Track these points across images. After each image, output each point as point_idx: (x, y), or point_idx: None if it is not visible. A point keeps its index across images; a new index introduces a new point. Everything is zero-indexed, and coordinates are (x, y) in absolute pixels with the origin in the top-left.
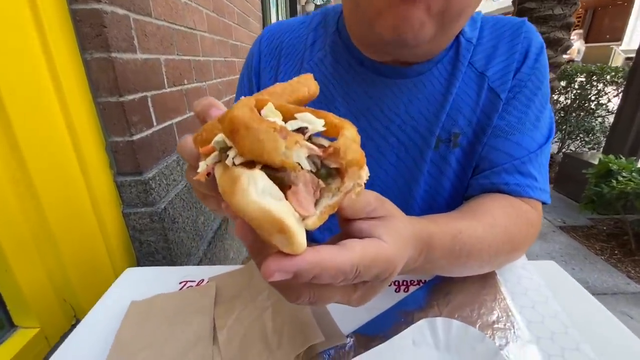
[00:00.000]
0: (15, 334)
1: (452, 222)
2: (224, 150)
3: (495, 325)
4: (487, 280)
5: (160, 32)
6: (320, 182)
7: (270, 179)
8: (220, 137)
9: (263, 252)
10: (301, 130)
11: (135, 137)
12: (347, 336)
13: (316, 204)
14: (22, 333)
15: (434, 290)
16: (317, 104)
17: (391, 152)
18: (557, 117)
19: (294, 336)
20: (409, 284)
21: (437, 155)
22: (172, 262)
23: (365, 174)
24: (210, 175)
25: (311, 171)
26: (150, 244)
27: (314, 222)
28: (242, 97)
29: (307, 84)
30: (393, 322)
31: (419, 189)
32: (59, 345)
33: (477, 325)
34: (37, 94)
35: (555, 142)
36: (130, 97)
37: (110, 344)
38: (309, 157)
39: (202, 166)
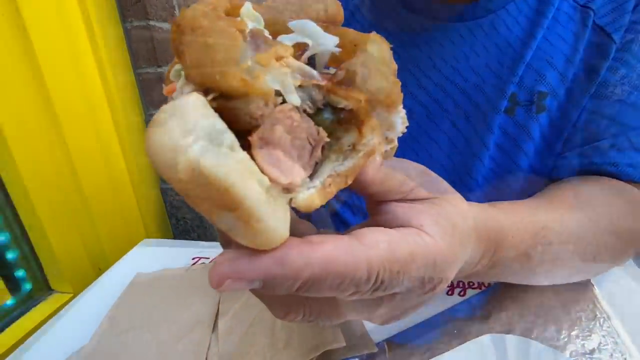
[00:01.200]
0: (50, 297)
1: (533, 211)
2: None
3: (596, 355)
4: (581, 290)
5: None
6: (322, 132)
7: (227, 116)
8: (180, 64)
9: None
10: (299, 51)
11: None
12: (377, 344)
13: (316, 170)
14: (57, 297)
15: (500, 297)
16: None
17: (445, 120)
18: None
19: (307, 336)
20: (466, 285)
21: (512, 124)
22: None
23: (401, 119)
24: None
25: (306, 111)
26: (187, 222)
27: (311, 197)
28: None
29: (322, 0)
30: (441, 332)
31: (481, 168)
32: None
33: (568, 352)
34: (75, 61)
35: None
36: None
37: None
38: (302, 88)
39: None
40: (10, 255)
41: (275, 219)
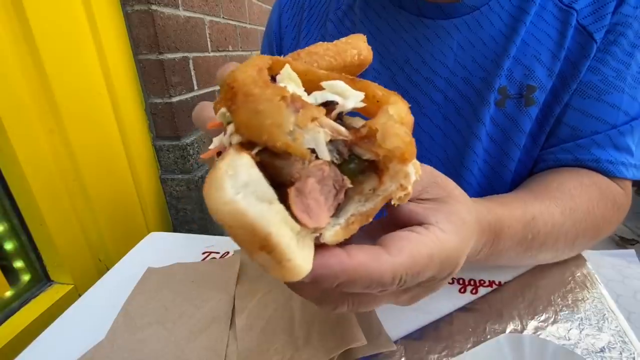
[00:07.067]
0: (50, 288)
1: (524, 204)
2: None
3: (607, 354)
4: (589, 289)
5: None
6: (346, 179)
7: (270, 169)
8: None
9: None
10: (329, 107)
11: (174, 99)
12: (395, 342)
13: (339, 209)
14: (56, 288)
15: (511, 295)
16: None
17: (437, 113)
18: None
19: (327, 334)
20: (477, 284)
21: (503, 116)
22: (207, 234)
23: (414, 172)
24: (221, 155)
25: (334, 162)
26: (187, 213)
27: (336, 234)
28: (255, 55)
29: (357, 46)
30: (457, 330)
31: (475, 158)
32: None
33: (579, 351)
34: (74, 45)
35: None
36: (170, 55)
37: (117, 312)
38: (331, 142)
39: (215, 142)
40: (8, 246)
41: (301, 258)
